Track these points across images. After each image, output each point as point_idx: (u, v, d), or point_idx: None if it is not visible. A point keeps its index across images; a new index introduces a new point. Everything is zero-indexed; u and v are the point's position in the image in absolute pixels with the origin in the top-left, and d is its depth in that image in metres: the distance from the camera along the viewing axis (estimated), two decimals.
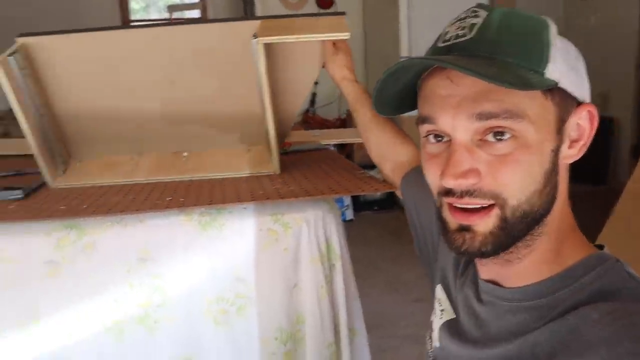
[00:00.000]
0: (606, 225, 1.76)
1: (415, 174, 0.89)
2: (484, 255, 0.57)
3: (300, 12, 4.81)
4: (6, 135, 4.01)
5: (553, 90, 0.55)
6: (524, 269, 0.59)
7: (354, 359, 1.07)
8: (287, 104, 1.34)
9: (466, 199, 0.56)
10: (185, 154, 1.36)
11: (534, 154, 0.54)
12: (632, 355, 0.46)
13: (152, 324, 0.98)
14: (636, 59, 4.22)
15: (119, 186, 1.24)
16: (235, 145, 1.35)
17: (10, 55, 1.14)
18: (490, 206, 0.56)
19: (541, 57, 0.54)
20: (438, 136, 0.59)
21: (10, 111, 1.19)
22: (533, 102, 0.54)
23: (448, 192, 0.57)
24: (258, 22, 1.19)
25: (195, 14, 5.20)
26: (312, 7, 4.97)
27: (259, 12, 4.73)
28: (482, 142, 0.55)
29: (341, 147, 4.07)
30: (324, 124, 4.51)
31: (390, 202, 4.27)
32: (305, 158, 1.48)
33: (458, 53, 0.56)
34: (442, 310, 0.73)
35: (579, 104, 0.58)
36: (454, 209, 0.58)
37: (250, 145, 1.35)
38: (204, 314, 0.98)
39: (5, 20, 3.89)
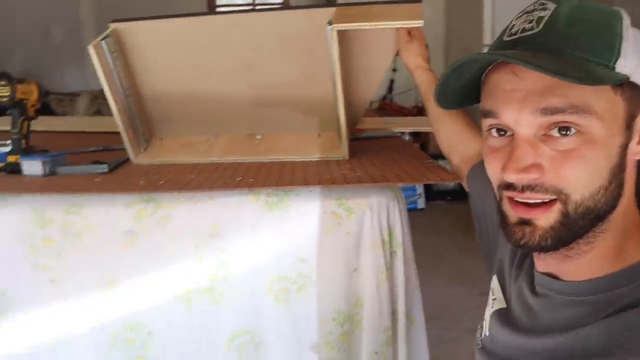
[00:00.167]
0: None
1: (482, 167, 0.88)
2: (543, 249, 0.57)
3: None
4: (99, 113, 4.30)
5: (623, 84, 0.53)
6: (583, 264, 0.58)
7: (410, 346, 1.08)
8: (360, 91, 1.35)
9: (527, 194, 0.55)
10: (258, 136, 1.41)
11: (600, 149, 0.53)
12: None
13: (218, 297, 1.03)
14: None
15: (195, 165, 1.31)
16: (307, 129, 1.38)
17: (102, 39, 1.23)
18: (552, 201, 0.55)
19: (612, 50, 0.52)
20: (501, 130, 0.58)
21: (102, 91, 1.28)
22: (601, 97, 0.52)
23: (509, 186, 0.57)
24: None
25: (278, 0, 5.29)
26: None
27: None
28: (546, 137, 0.54)
29: (416, 135, 4.02)
30: (400, 112, 4.47)
31: (463, 193, 4.14)
32: (375, 145, 1.49)
33: (524, 47, 0.55)
34: (494, 299, 0.73)
35: None
36: (515, 202, 0.57)
37: (321, 130, 1.38)
38: (266, 291, 1.02)
39: (107, 7, 4.18)
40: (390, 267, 1.04)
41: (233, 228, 1.03)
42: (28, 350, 1.06)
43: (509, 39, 0.57)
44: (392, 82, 4.61)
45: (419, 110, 4.58)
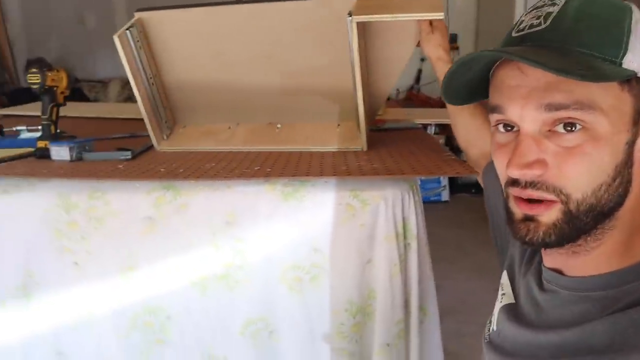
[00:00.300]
0: None
1: None
2: (547, 245, 0.57)
3: None
4: (130, 99, 4.38)
5: (631, 80, 0.52)
6: (591, 260, 0.58)
7: (422, 339, 1.08)
8: (379, 82, 1.35)
9: (529, 191, 0.55)
10: (279, 125, 1.42)
11: (604, 146, 0.52)
12: None
13: (233, 284, 1.05)
14: None
15: (215, 153, 1.33)
16: (327, 119, 1.38)
17: (127, 29, 1.26)
18: (553, 201, 0.55)
19: (619, 46, 0.52)
20: (507, 126, 0.58)
21: None
22: (607, 93, 0.52)
23: (514, 183, 0.57)
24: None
25: None
26: None
27: None
28: (550, 133, 0.54)
29: (442, 127, 3.98)
30: (427, 102, 4.42)
31: None
32: (395, 136, 1.49)
33: (531, 43, 0.55)
34: (503, 295, 0.73)
35: None
36: (519, 199, 0.57)
37: (341, 120, 1.38)
38: (280, 280, 1.04)
39: None
40: (404, 260, 1.05)
41: (249, 217, 1.04)
42: (52, 330, 1.11)
43: (517, 34, 0.57)
44: (419, 72, 4.56)
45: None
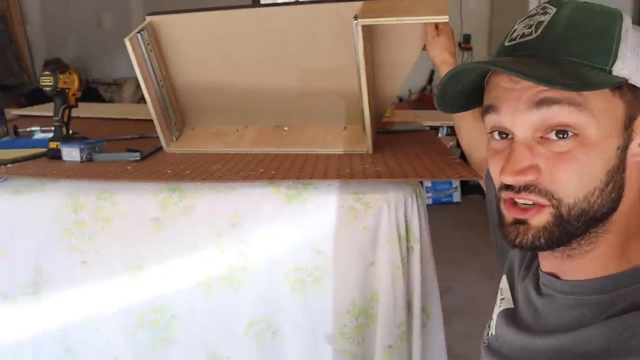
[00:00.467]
0: None
1: None
2: (537, 248, 0.58)
3: None
4: (143, 100, 4.42)
5: (622, 87, 0.53)
6: (586, 263, 0.58)
7: (425, 341, 1.09)
8: (385, 86, 1.35)
9: (522, 194, 0.56)
10: (286, 128, 1.43)
11: (594, 151, 0.53)
12: None
13: (237, 285, 1.07)
14: None
15: (223, 155, 1.35)
16: (333, 122, 1.39)
17: (138, 32, 1.28)
18: (545, 205, 0.55)
19: (608, 54, 0.52)
20: (502, 133, 0.59)
21: None
22: (598, 98, 0.52)
23: (508, 187, 0.58)
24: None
25: None
26: None
27: None
28: (543, 140, 0.55)
29: (453, 129, 3.96)
30: None
31: None
32: (402, 139, 1.49)
33: (523, 52, 0.56)
34: (502, 299, 0.73)
35: None
36: (510, 204, 0.58)
37: (347, 123, 1.39)
38: (283, 281, 1.05)
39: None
40: (406, 263, 1.05)
41: (253, 219, 1.06)
42: (61, 327, 1.13)
43: (509, 44, 0.58)
44: (432, 72, 4.55)
45: None
